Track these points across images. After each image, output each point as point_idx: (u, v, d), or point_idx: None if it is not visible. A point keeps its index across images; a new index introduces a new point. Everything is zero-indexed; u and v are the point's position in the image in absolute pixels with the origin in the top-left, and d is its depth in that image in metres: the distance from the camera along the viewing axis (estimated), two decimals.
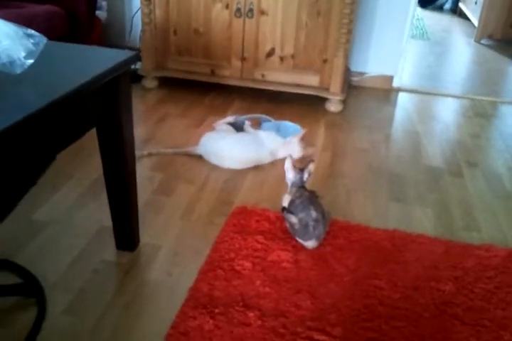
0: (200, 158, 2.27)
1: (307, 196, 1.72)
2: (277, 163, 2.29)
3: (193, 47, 2.94)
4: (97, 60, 1.33)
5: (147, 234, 1.74)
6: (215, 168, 2.22)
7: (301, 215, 1.67)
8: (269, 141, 2.31)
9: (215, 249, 1.65)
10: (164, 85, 3.07)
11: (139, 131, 2.50)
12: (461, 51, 4.78)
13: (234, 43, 2.88)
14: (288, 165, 1.81)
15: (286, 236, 1.73)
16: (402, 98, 3.28)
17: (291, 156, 1.83)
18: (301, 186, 1.79)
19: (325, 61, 2.84)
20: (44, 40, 1.11)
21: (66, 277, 1.54)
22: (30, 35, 1.09)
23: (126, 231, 1.62)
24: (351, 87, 3.26)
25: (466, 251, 1.74)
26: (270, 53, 2.89)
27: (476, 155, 2.52)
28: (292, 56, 2.87)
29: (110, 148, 1.46)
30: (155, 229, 1.78)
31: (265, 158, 2.28)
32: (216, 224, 1.82)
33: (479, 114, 3.08)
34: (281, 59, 2.88)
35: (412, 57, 4.15)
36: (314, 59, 2.85)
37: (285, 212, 1.74)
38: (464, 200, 2.11)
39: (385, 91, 3.35)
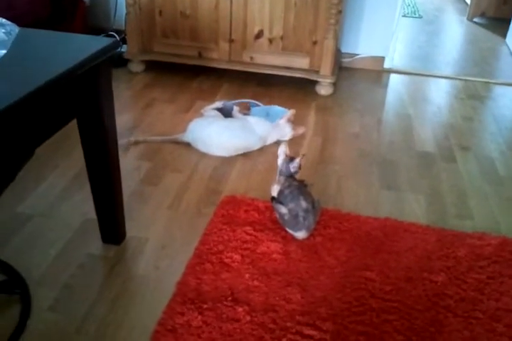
0: (188, 145, 2.21)
1: (296, 186, 1.68)
2: (266, 150, 2.24)
3: (180, 29, 2.86)
4: (74, 48, 1.27)
5: (134, 225, 1.70)
6: (203, 155, 2.17)
7: (291, 205, 1.63)
8: (259, 127, 2.26)
9: (204, 241, 1.62)
10: (151, 69, 2.99)
11: (126, 118, 2.43)
12: (454, 30, 4.70)
13: (221, 25, 2.80)
14: (280, 150, 1.77)
15: (276, 227, 1.70)
16: (394, 80, 3.22)
17: (286, 144, 1.78)
18: (289, 175, 1.75)
19: (315, 43, 2.77)
20: (16, 28, 1.05)
21: (51, 272, 1.50)
22: (1, 25, 1.02)
23: (111, 224, 1.58)
24: (342, 68, 3.20)
25: (458, 240, 1.71)
26: (258, 35, 2.81)
27: (469, 139, 2.48)
28: (281, 38, 2.79)
29: (92, 139, 1.40)
30: (142, 220, 1.74)
31: (255, 144, 2.23)
32: (204, 214, 1.78)
33: (472, 95, 3.03)
34: (270, 41, 2.81)
35: (404, 37, 4.07)
36: (304, 41, 2.78)
37: (274, 202, 1.71)
38: (456, 186, 2.08)
39: (377, 73, 3.29)
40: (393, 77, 3.26)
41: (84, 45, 1.30)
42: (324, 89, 2.85)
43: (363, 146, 2.34)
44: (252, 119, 2.30)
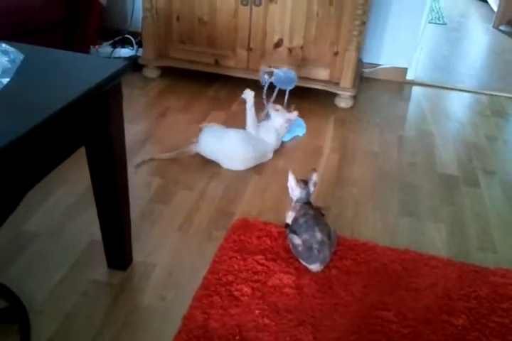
0: (200, 158, 2.14)
1: (312, 215, 1.60)
2: (280, 167, 2.16)
3: (197, 35, 2.78)
4: (82, 74, 1.19)
5: (142, 248, 1.63)
6: (216, 172, 2.10)
7: (305, 236, 1.55)
8: (267, 134, 2.21)
9: (213, 270, 1.55)
10: (166, 75, 2.91)
11: (138, 129, 2.36)
12: (479, 38, 4.56)
13: (240, 33, 2.71)
14: (291, 182, 1.69)
15: (289, 256, 1.62)
16: (416, 92, 3.12)
17: (292, 173, 1.70)
18: (306, 202, 1.67)
19: (336, 54, 2.67)
20: (20, 56, 0.98)
21: (53, 299, 1.44)
22: (5, 52, 0.95)
23: (117, 249, 1.52)
24: (363, 79, 3.10)
25: (480, 277, 1.62)
26: (278, 44, 2.72)
27: (493, 162, 2.38)
28: (301, 48, 2.70)
29: (100, 167, 1.33)
30: (150, 242, 1.67)
31: (270, 152, 2.22)
32: (215, 238, 1.71)
33: (497, 112, 2.92)
34: (290, 50, 2.72)
35: (427, 44, 3.95)
36: (324, 51, 2.68)
37: (288, 231, 1.63)
38: (479, 215, 1.99)
39: (398, 84, 3.18)
40: (415, 89, 3.16)
41: (93, 70, 1.22)
42: (344, 102, 2.76)
43: (383, 167, 2.25)
44: (262, 130, 2.23)
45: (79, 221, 1.73)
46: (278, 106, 2.32)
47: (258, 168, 2.15)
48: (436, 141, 2.52)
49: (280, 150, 2.30)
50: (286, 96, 2.42)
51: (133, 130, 2.34)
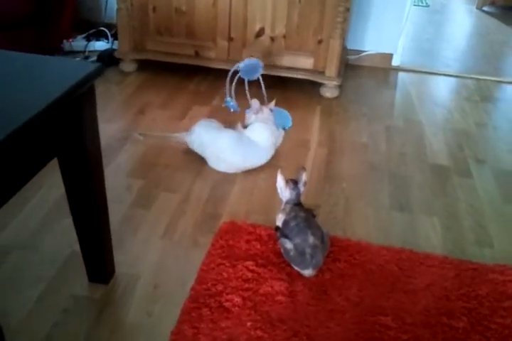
0: (186, 152, 2.05)
1: (303, 217, 1.53)
2: (267, 165, 2.08)
3: (175, 26, 2.66)
4: (50, 79, 1.09)
5: (124, 259, 1.55)
6: (200, 171, 2.01)
7: (297, 241, 1.48)
8: (262, 139, 2.09)
9: (200, 280, 1.47)
10: (144, 68, 2.80)
11: (116, 127, 2.26)
12: (462, 20, 4.49)
13: (220, 22, 2.60)
14: (280, 182, 1.61)
15: (280, 261, 1.55)
16: (402, 78, 3.04)
17: (280, 173, 1.62)
18: (296, 203, 1.59)
19: (320, 42, 2.58)
20: None
21: (31, 318, 1.35)
22: None
23: (98, 262, 1.43)
24: (348, 66, 3.01)
25: (479, 275, 1.57)
26: (260, 33, 2.61)
27: (484, 150, 2.32)
28: (284, 36, 2.60)
29: (75, 178, 1.24)
30: (133, 252, 1.59)
31: (266, 158, 2.08)
32: (201, 244, 1.63)
33: (484, 97, 2.86)
34: (272, 39, 2.62)
35: (411, 28, 3.86)
36: (308, 40, 2.59)
37: (279, 235, 1.55)
38: (473, 207, 1.93)
39: (384, 71, 3.11)
40: (401, 75, 3.08)
41: (62, 75, 1.11)
42: (330, 92, 2.67)
43: (372, 159, 2.18)
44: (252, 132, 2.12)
45: (56, 230, 1.64)
46: (254, 105, 2.17)
47: None
48: (425, 129, 2.45)
49: None
50: (263, 86, 2.33)
51: (111, 129, 2.24)
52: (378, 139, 2.33)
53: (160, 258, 1.57)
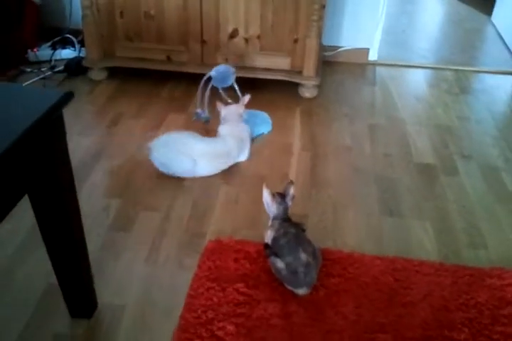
0: (161, 173, 1.96)
1: (293, 234, 1.46)
2: (249, 174, 2.00)
3: (144, 31, 2.55)
4: (15, 113, 0.99)
5: (107, 288, 1.46)
6: (179, 185, 1.92)
7: (289, 259, 1.41)
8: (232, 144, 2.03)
9: (189, 307, 1.39)
10: (114, 76, 2.69)
11: (88, 142, 2.15)
12: (435, 9, 4.45)
13: (191, 25, 2.50)
14: (267, 197, 1.53)
15: (272, 280, 1.48)
16: (380, 73, 2.98)
17: (266, 187, 1.54)
18: (284, 218, 1.52)
19: (296, 41, 2.50)
20: None
21: None
22: None
23: (78, 296, 1.34)
24: (324, 63, 2.93)
25: (476, 281, 1.52)
26: (233, 34, 2.52)
27: (469, 145, 2.28)
28: (258, 37, 2.51)
29: (49, 214, 1.14)
30: (115, 279, 1.50)
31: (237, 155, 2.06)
32: (187, 267, 1.55)
33: (464, 89, 2.82)
34: (246, 40, 2.53)
35: (384, 20, 3.81)
36: (283, 39, 2.51)
37: (269, 253, 1.48)
38: (464, 207, 1.88)
39: (361, 67, 3.04)
40: (379, 70, 3.02)
41: (26, 106, 1.02)
42: (309, 92, 2.60)
43: (357, 162, 2.12)
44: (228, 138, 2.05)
45: (31, 262, 1.53)
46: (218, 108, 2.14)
47: (225, 176, 1.98)
48: (408, 127, 2.40)
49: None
50: (238, 91, 2.26)
51: (84, 144, 2.13)
52: (362, 140, 2.27)
53: (145, 284, 1.49)
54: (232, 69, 2.25)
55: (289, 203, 1.54)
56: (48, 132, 1.02)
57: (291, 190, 1.54)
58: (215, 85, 2.24)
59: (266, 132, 2.30)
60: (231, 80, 2.25)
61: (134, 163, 2.02)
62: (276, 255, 1.44)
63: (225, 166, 2.00)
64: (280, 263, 1.42)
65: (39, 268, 1.50)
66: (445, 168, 2.10)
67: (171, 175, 1.93)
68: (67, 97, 1.03)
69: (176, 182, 1.93)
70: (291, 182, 1.56)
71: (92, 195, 1.85)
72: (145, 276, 1.51)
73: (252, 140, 2.17)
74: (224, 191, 1.91)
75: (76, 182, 1.85)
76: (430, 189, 1.97)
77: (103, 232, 1.68)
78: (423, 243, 1.71)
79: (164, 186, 1.91)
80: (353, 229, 1.75)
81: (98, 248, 1.60)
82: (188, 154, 1.90)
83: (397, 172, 2.06)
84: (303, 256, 1.40)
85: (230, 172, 2.01)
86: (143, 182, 1.93)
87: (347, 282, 1.50)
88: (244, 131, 2.10)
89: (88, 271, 1.32)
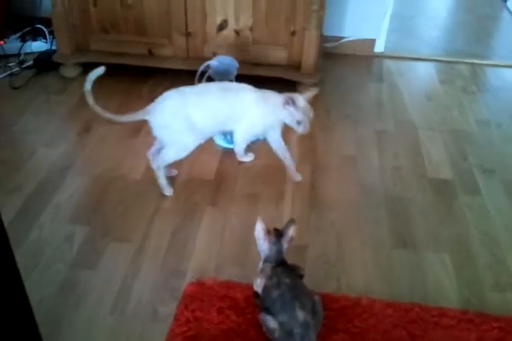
0: (141, 181, 1.70)
1: (288, 285, 1.19)
2: (237, 193, 1.73)
3: (122, 21, 2.25)
4: None
5: None
6: (158, 208, 1.65)
7: (283, 318, 1.15)
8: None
9: None
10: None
11: (56, 154, 1.88)
12: None
13: (174, 15, 2.20)
14: (260, 232, 1.27)
15: (262, 338, 1.22)
16: (388, 67, 2.69)
17: (261, 220, 1.27)
18: (278, 262, 1.26)
19: (293, 33, 2.21)
20: None
21: None
22: None
23: None
24: (325, 55, 2.63)
25: (505, 337, 1.27)
26: (222, 26, 2.23)
27: (490, 156, 2.00)
28: (250, 28, 2.22)
29: None
30: (75, 337, 1.24)
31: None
32: (162, 318, 1.29)
33: (482, 86, 2.53)
34: (237, 33, 2.23)
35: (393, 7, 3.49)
36: (279, 31, 2.21)
37: (259, 307, 1.22)
38: (487, 234, 1.62)
39: (367, 59, 2.75)
40: (386, 63, 2.73)
41: None
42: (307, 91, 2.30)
43: (363, 177, 1.85)
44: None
45: None
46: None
47: (211, 196, 1.72)
48: (420, 133, 2.12)
49: (235, 166, 1.87)
50: None
51: (50, 157, 1.86)
52: (368, 150, 2.00)
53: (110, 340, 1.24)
54: (236, 63, 1.97)
55: (285, 246, 1.27)
56: None
57: (291, 231, 1.27)
58: (212, 77, 1.94)
59: (261, 138, 2.01)
60: (233, 75, 1.96)
61: (105, 181, 1.75)
62: (268, 311, 1.18)
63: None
64: (272, 323, 1.16)
65: None
66: (464, 184, 1.84)
67: None
68: None
69: (154, 203, 1.67)
70: (293, 221, 1.29)
71: (56, 220, 1.59)
72: (109, 332, 1.26)
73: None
74: (209, 214, 1.64)
75: (39, 203, 1.64)
76: (447, 212, 1.71)
77: (64, 269, 1.42)
78: (441, 283, 1.45)
79: (140, 208, 1.65)
80: (359, 265, 1.49)
81: (56, 291, 1.34)
82: None
83: (409, 190, 1.79)
84: (300, 315, 1.14)
85: (216, 193, 1.74)
86: (115, 204, 1.66)
87: (353, 339, 1.24)
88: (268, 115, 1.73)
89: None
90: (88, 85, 1.61)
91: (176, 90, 1.66)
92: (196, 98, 1.63)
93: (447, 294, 1.41)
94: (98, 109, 1.62)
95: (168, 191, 1.70)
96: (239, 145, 1.80)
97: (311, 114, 1.69)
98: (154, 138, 1.90)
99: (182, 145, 1.64)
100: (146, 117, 1.65)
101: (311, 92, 1.74)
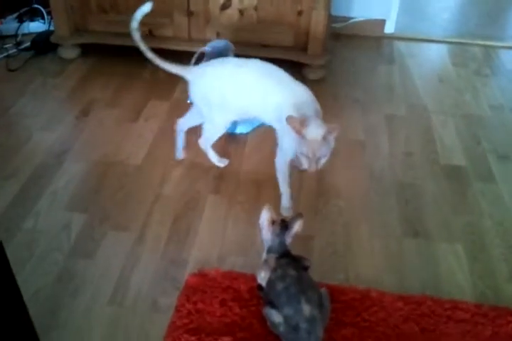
0: (140, 168, 1.63)
1: (293, 277, 1.13)
2: (242, 179, 1.67)
3: (121, 1, 2.16)
4: None
5: (61, 339, 1.16)
6: (159, 195, 1.59)
7: (288, 312, 1.09)
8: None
9: None
10: (88, 54, 2.31)
11: (53, 139, 1.81)
12: None
13: None
14: (264, 221, 1.20)
15: (267, 332, 1.17)
16: (398, 49, 2.59)
17: (268, 209, 1.21)
18: (282, 252, 1.20)
19: (300, 13, 2.11)
20: None
21: None
22: None
23: None
24: (333, 36, 2.54)
25: None
26: (225, 5, 2.13)
27: (505, 141, 1.92)
28: (255, 8, 2.12)
29: None
30: (72, 327, 1.19)
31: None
32: (162, 309, 1.24)
33: (496, 69, 2.43)
34: (241, 12, 2.14)
35: None
36: (285, 11, 2.12)
37: (263, 301, 1.16)
38: (502, 224, 1.55)
39: (376, 40, 2.65)
40: (397, 44, 2.63)
41: None
42: (314, 73, 2.22)
43: (373, 163, 1.77)
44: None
45: None
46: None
47: (214, 183, 1.65)
48: (432, 118, 2.04)
49: (240, 150, 1.80)
50: None
51: (47, 141, 1.79)
52: (377, 135, 1.92)
53: (108, 334, 1.18)
54: (231, 46, 1.88)
55: (288, 240, 1.20)
56: None
57: (297, 226, 1.20)
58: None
59: (245, 132, 1.92)
60: (230, 55, 1.88)
61: (104, 167, 1.69)
62: (273, 304, 1.12)
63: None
64: (277, 317, 1.10)
65: None
66: (478, 171, 1.76)
67: None
68: None
69: (154, 191, 1.60)
70: (300, 215, 1.22)
71: (52, 207, 1.53)
72: (107, 324, 1.20)
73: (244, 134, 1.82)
74: (212, 202, 1.58)
75: (35, 190, 1.58)
76: (460, 199, 1.64)
77: (61, 259, 1.36)
78: (455, 274, 1.38)
79: (139, 196, 1.58)
80: (368, 256, 1.42)
81: (54, 280, 1.29)
82: None
83: (420, 176, 1.72)
84: (306, 308, 1.08)
85: (219, 179, 1.67)
86: (114, 191, 1.59)
87: (362, 334, 1.19)
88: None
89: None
90: (135, 24, 1.62)
91: (223, 60, 1.58)
92: (236, 75, 1.50)
93: (460, 286, 1.35)
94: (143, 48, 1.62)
95: (223, 161, 1.71)
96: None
97: (320, 153, 1.35)
98: (154, 121, 1.85)
99: (215, 123, 1.56)
100: (188, 76, 1.57)
101: (334, 127, 1.38)
